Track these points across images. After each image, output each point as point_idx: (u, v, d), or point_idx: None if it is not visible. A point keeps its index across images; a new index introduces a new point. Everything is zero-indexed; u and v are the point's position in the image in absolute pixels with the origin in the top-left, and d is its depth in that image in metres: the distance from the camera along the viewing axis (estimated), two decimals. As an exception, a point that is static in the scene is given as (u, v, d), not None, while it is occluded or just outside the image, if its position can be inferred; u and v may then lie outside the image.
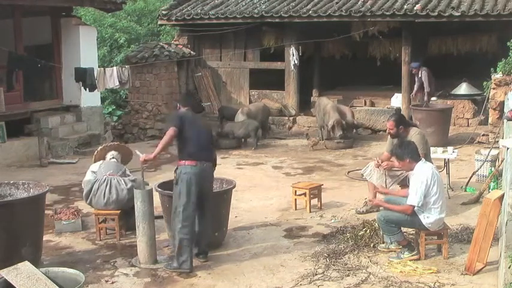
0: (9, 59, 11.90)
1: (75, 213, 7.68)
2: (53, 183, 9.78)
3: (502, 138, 7.62)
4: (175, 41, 16.17)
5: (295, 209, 8.29)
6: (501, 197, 5.58)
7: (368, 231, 6.77)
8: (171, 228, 6.35)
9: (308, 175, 10.39)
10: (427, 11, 13.24)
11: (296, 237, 7.20)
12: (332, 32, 14.56)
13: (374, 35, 14.60)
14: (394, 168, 7.76)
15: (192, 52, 15.65)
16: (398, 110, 13.04)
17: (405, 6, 13.55)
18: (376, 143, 13.00)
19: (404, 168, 6.71)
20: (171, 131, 6.15)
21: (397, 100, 14.45)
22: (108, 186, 7.15)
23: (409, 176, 6.87)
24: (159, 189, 6.76)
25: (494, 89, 11.38)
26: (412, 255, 6.27)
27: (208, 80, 16.04)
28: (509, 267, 4.73)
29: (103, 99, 16.90)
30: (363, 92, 15.62)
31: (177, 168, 6.28)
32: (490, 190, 7.89)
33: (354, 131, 13.93)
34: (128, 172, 7.54)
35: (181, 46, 15.68)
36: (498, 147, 9.09)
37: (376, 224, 6.63)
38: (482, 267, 5.84)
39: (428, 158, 7.43)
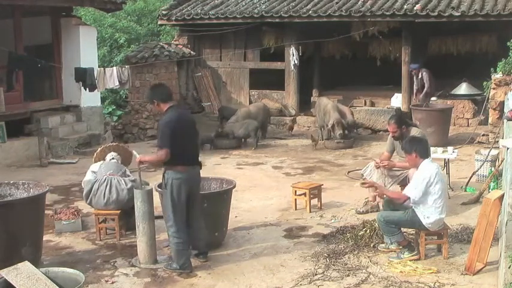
0: (9, 59, 11.91)
1: (75, 213, 7.68)
2: (53, 183, 9.78)
3: (502, 138, 7.62)
4: (175, 41, 16.18)
5: (295, 209, 8.29)
6: (501, 197, 5.58)
7: (368, 231, 6.77)
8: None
9: (308, 175, 10.39)
10: (427, 11, 13.24)
11: (296, 237, 7.19)
12: (332, 32, 14.56)
13: (374, 35, 14.60)
14: (394, 168, 7.77)
15: (192, 52, 15.65)
16: (398, 109, 13.02)
17: (405, 6, 13.56)
18: (376, 143, 13.00)
19: (410, 164, 6.58)
20: (163, 155, 6.01)
21: (397, 100, 14.45)
22: (108, 186, 7.14)
23: (410, 176, 6.88)
24: (159, 189, 6.75)
25: (494, 89, 11.37)
26: (412, 255, 6.27)
27: (208, 80, 16.05)
28: (509, 267, 4.73)
29: (103, 99, 16.92)
30: (363, 92, 15.61)
31: (165, 172, 6.18)
32: (490, 190, 7.89)
33: (355, 130, 13.92)
34: (128, 172, 7.54)
35: (181, 46, 15.69)
36: (498, 147, 9.09)
37: (376, 224, 6.62)
38: (482, 267, 5.84)
39: (428, 158, 7.42)
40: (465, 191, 8.88)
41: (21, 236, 6.01)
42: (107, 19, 20.53)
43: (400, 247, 6.36)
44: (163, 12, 15.73)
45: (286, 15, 14.34)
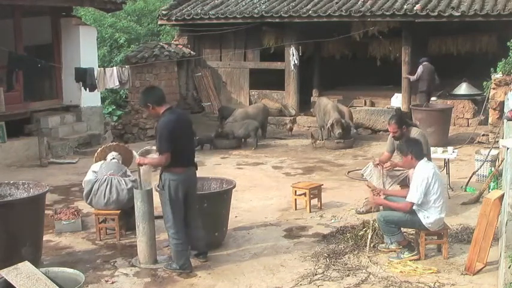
0: (9, 59, 11.91)
1: (75, 213, 7.68)
2: (53, 183, 9.79)
3: (502, 138, 7.61)
4: (175, 41, 16.18)
5: (295, 209, 8.29)
6: (501, 197, 5.58)
7: (368, 231, 6.76)
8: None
9: (308, 175, 10.39)
10: (427, 11, 13.25)
11: (296, 237, 7.20)
12: (332, 32, 14.56)
13: (374, 35, 14.61)
14: (395, 168, 7.76)
15: (192, 52, 15.65)
16: (398, 110, 13.02)
17: (405, 6, 13.56)
18: (376, 143, 13.00)
19: (406, 165, 6.63)
20: (163, 159, 5.99)
21: (397, 100, 14.46)
22: (108, 186, 7.14)
23: (410, 176, 6.87)
24: (159, 190, 6.75)
25: (494, 89, 11.38)
26: (412, 255, 6.27)
27: (208, 80, 16.05)
28: (509, 267, 4.73)
29: (103, 99, 16.92)
30: (363, 92, 15.62)
31: (162, 173, 6.15)
32: (490, 190, 7.89)
33: (354, 130, 13.90)
34: (128, 173, 7.54)
35: (181, 46, 15.69)
36: (498, 147, 9.09)
37: (376, 224, 6.62)
38: (482, 267, 5.84)
39: (428, 158, 7.40)
40: (465, 191, 8.88)
41: (21, 236, 6.01)
42: (107, 19, 20.54)
43: (400, 247, 6.36)
44: (163, 12, 15.73)
45: (286, 15, 14.35)
